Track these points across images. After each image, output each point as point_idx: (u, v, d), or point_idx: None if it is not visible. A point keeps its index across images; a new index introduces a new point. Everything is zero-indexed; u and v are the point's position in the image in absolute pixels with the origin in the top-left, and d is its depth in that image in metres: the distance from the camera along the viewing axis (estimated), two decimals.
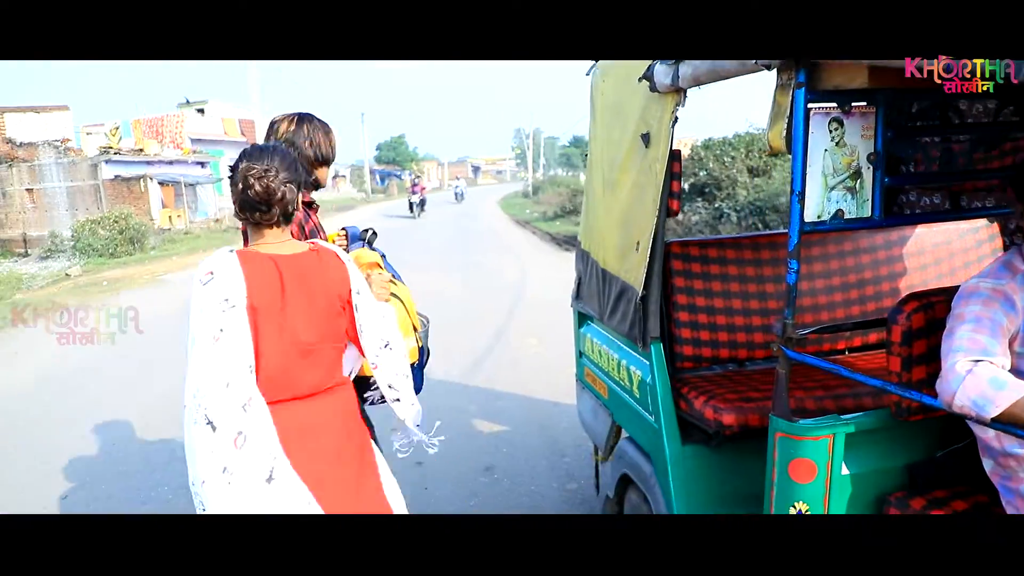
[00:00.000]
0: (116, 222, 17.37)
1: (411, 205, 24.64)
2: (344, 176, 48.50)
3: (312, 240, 1.94)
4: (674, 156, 2.05)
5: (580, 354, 3.12)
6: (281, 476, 1.66)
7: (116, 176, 21.13)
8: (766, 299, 2.53)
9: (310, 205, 2.24)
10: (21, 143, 21.73)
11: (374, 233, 2.38)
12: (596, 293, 2.74)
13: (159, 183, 21.71)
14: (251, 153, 1.73)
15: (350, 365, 1.96)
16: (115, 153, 21.68)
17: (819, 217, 1.69)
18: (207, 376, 1.61)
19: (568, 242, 15.14)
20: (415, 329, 2.19)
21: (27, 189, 21.94)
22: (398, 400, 1.97)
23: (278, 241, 1.78)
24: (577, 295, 3.10)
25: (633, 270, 2.28)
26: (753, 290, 2.53)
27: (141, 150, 23.12)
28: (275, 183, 1.68)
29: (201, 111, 30.82)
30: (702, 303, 2.48)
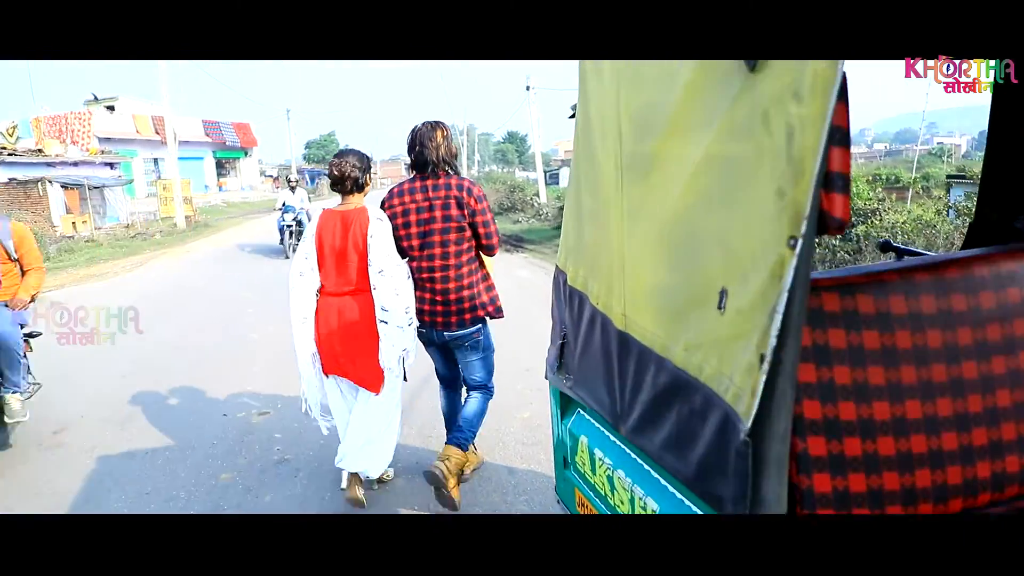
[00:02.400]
0: None
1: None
2: (271, 176, 46.49)
3: (364, 205, 3.12)
4: (841, 91, 0.89)
5: (564, 462, 1.85)
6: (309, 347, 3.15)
7: (11, 179, 19.29)
8: (963, 392, 1.29)
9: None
10: None
11: None
12: (603, 372, 1.53)
13: (61, 186, 19.92)
14: (338, 153, 3.17)
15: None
16: (9, 154, 19.81)
17: None
18: (296, 296, 3.14)
19: (507, 242, 14.43)
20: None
21: None
22: (385, 323, 3.02)
23: (348, 203, 3.14)
24: (558, 364, 1.84)
25: (715, 349, 1.09)
26: (941, 378, 1.27)
27: (40, 150, 21.23)
28: (345, 168, 3.09)
29: (111, 108, 28.83)
30: (851, 414, 1.23)
